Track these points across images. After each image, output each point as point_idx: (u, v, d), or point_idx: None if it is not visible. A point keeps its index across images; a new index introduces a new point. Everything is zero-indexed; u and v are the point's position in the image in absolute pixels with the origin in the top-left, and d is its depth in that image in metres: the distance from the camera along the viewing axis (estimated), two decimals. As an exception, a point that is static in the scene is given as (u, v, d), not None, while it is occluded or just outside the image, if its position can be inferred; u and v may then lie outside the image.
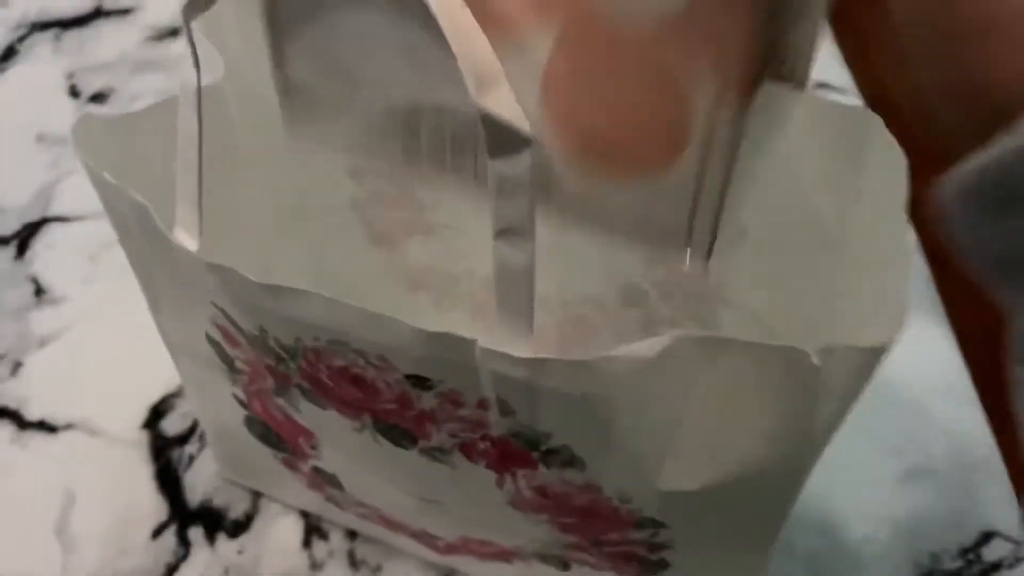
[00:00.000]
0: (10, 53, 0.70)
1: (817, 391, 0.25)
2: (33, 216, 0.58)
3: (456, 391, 0.28)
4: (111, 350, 0.52)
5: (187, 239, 0.30)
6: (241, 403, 0.38)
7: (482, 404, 0.28)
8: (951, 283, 0.57)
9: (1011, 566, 0.44)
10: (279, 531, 0.45)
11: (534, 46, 0.23)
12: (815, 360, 0.24)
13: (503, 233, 0.24)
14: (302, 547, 0.44)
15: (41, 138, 0.63)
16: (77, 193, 0.60)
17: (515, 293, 0.25)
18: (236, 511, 0.45)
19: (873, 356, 0.24)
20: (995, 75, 0.21)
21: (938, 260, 0.57)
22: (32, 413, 0.49)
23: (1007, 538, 0.45)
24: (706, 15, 0.20)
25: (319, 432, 0.36)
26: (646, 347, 0.24)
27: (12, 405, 0.50)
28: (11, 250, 0.57)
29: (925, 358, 0.51)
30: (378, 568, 0.44)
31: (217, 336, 0.34)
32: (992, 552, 0.44)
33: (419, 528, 0.39)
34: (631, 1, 0.21)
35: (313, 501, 0.43)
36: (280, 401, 0.35)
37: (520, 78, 0.22)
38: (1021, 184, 0.20)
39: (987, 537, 0.45)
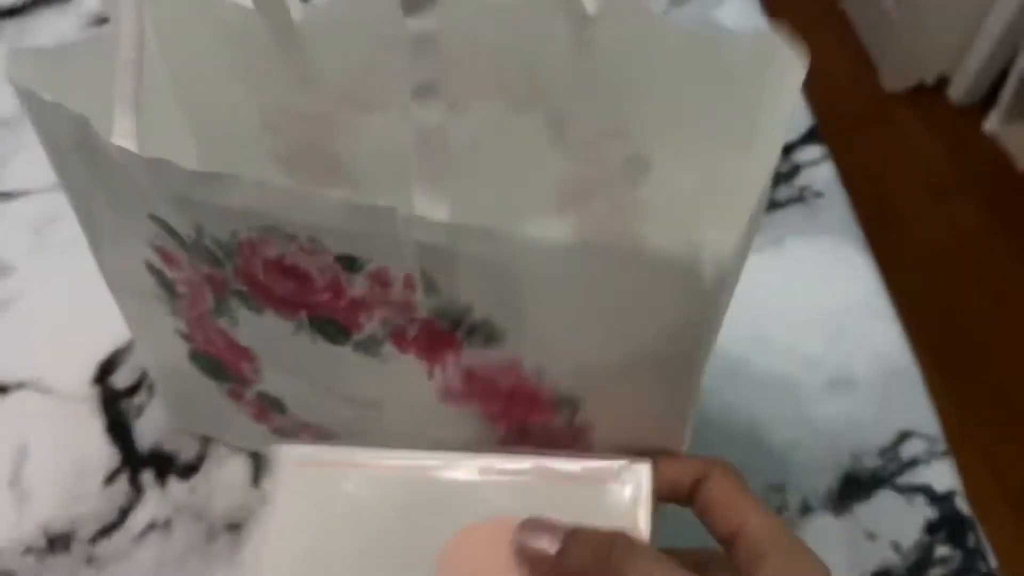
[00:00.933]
0: (-49, 44, 0.71)
1: (702, 283, 0.27)
2: (-22, 194, 0.60)
3: (383, 270, 0.30)
4: (59, 314, 0.53)
5: (126, 141, 0.31)
6: (184, 337, 0.40)
7: (408, 283, 0.30)
8: (893, 246, 0.59)
9: (927, 461, 0.47)
10: (229, 471, 0.46)
11: None
12: (697, 263, 0.26)
13: (418, 93, 0.26)
14: (251, 484, 0.46)
15: (-16, 122, 0.64)
16: (21, 171, 0.61)
17: (431, 156, 0.27)
18: (187, 454, 0.47)
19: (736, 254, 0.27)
20: None
21: (880, 225, 0.60)
22: (-17, 376, 0.50)
23: (923, 436, 0.47)
24: None
25: (259, 349, 0.37)
26: (551, 235, 0.27)
27: (-37, 370, 0.51)
28: (-42, 227, 0.58)
29: (845, 280, 0.53)
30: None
31: (157, 261, 0.36)
32: (909, 450, 0.47)
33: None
34: None
35: (260, 437, 0.44)
36: (220, 322, 0.36)
37: None
38: None
39: (904, 436, 0.47)
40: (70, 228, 0.58)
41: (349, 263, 0.30)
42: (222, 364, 0.40)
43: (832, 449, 0.47)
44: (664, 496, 0.32)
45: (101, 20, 0.71)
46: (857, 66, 1.60)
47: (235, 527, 0.44)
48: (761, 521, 0.30)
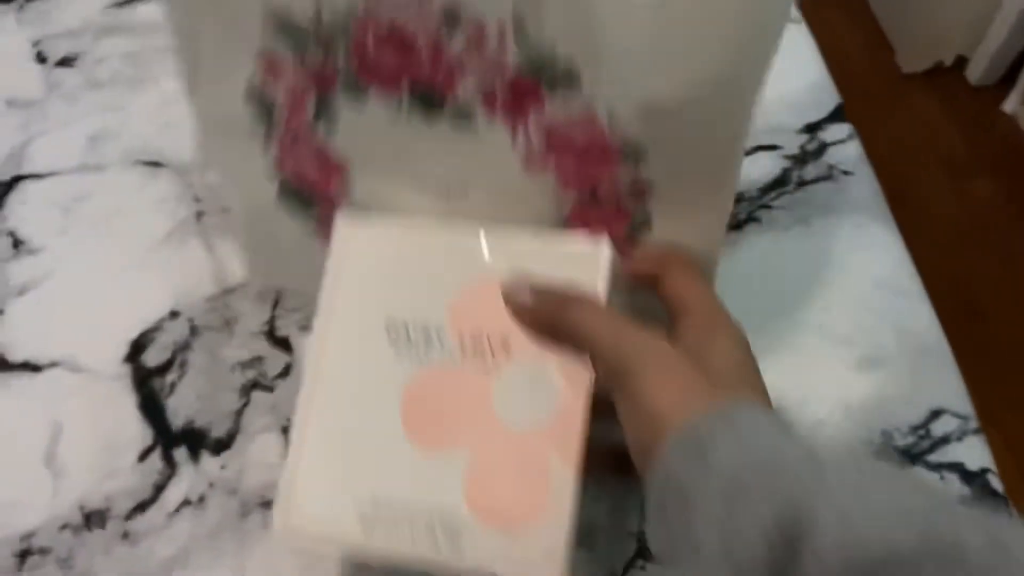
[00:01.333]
0: (-25, 26, 0.71)
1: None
2: (4, 176, 0.60)
3: (479, 25, 0.34)
4: (90, 293, 0.53)
5: None
6: (272, 178, 0.42)
7: (501, 34, 0.34)
8: (911, 222, 0.59)
9: (959, 438, 0.46)
10: (260, 446, 0.47)
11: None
12: None
13: None
14: (283, 459, 0.46)
15: (11, 103, 0.64)
16: (48, 152, 0.61)
17: None
18: (218, 430, 0.47)
19: None
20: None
21: (898, 201, 0.59)
22: (15, 356, 0.51)
23: (955, 414, 0.47)
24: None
25: (353, 154, 0.40)
26: None
27: (-4, 349, 0.51)
28: (-14, 208, 0.58)
29: (874, 258, 0.53)
30: (358, 477, 0.46)
31: (259, 79, 0.38)
32: (941, 427, 0.47)
33: None
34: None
35: None
36: (318, 132, 0.39)
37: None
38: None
39: (936, 414, 0.47)
40: (98, 206, 0.59)
41: (451, 18, 0.34)
42: (311, 189, 0.42)
43: (864, 427, 0.47)
44: (639, 281, 0.39)
45: (124, 1, 0.71)
46: (874, 47, 1.59)
47: (268, 504, 0.45)
48: (697, 294, 0.37)
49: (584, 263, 0.38)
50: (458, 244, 0.39)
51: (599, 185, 0.39)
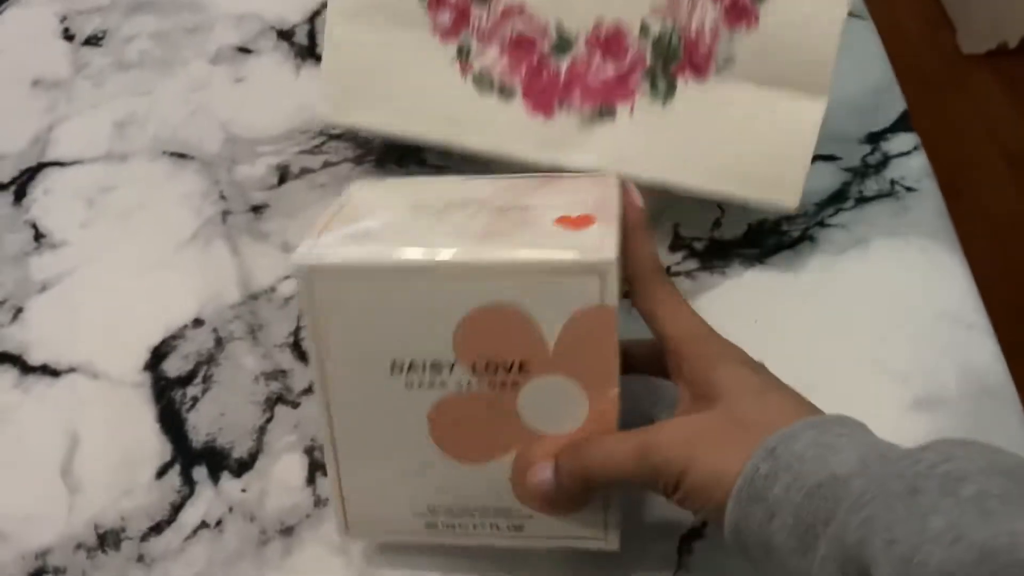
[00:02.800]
0: (2, -2, 0.68)
1: None
2: (30, 161, 0.58)
3: None
4: (111, 294, 0.51)
5: None
6: None
7: None
8: (966, 215, 0.56)
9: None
10: (283, 469, 0.45)
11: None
12: None
13: None
14: (306, 484, 0.44)
15: (36, 83, 0.62)
16: (74, 137, 0.59)
17: None
18: (240, 449, 0.46)
19: None
20: None
21: (953, 193, 0.56)
22: (34, 358, 0.49)
23: (1018, 465, 0.44)
24: None
25: None
26: None
27: (14, 350, 0.50)
28: (9, 196, 0.56)
29: (937, 287, 0.50)
30: (382, 504, 0.44)
31: None
32: (1002, 479, 0.44)
33: (554, 22, 0.44)
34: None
35: (440, 84, 0.47)
36: None
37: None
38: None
39: (997, 464, 0.44)
40: (122, 199, 0.57)
41: None
42: None
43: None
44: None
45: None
46: (934, 24, 1.52)
47: (288, 531, 0.43)
48: (677, 316, 0.38)
49: (589, 285, 0.35)
50: (443, 280, 0.35)
51: None
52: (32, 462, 0.46)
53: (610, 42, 0.43)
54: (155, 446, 0.46)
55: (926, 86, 1.41)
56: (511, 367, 0.36)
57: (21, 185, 0.57)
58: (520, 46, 0.44)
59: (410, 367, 0.36)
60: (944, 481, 0.27)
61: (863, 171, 0.55)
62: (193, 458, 0.45)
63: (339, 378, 0.37)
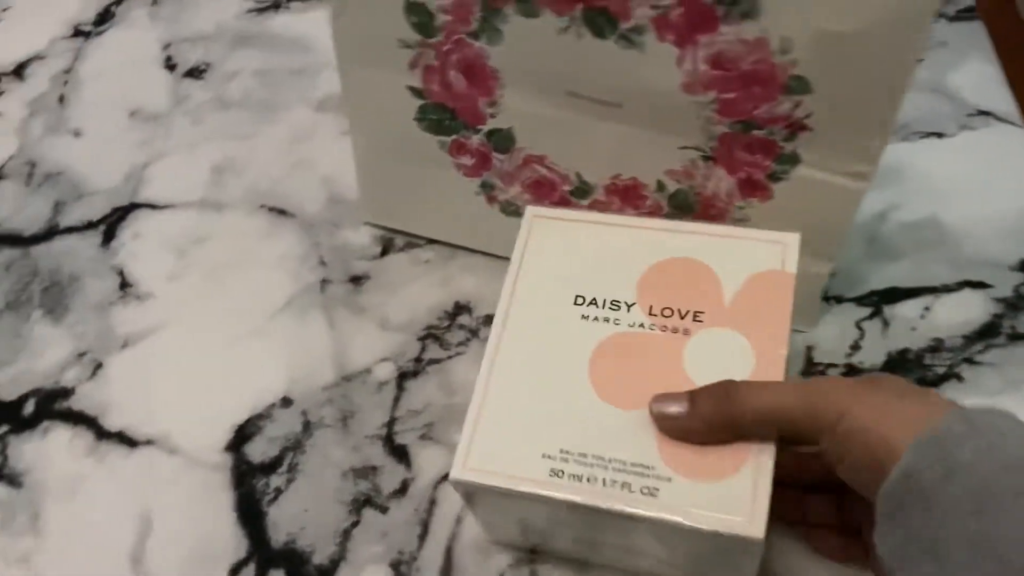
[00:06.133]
0: (106, 16, 0.66)
1: None
2: (122, 200, 0.55)
3: None
4: (197, 359, 0.48)
5: None
6: (416, 92, 0.44)
7: None
8: None
9: None
10: (366, 582, 0.41)
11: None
12: None
13: None
14: (390, 604, 0.41)
15: (134, 114, 0.59)
16: (169, 177, 0.56)
17: None
18: (321, 555, 0.42)
19: None
20: None
21: None
22: (111, 423, 0.46)
23: None
24: None
25: (509, 66, 0.41)
26: None
27: (91, 411, 0.47)
28: (98, 236, 0.54)
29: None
30: (471, 634, 0.40)
31: None
32: None
33: (574, 173, 0.44)
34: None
35: (458, 215, 0.49)
36: (480, 42, 0.40)
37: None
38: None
39: None
40: (215, 253, 0.53)
41: None
42: (453, 112, 0.44)
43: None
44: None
45: (264, 6, 0.65)
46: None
47: (369, 656, 0.39)
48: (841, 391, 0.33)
49: (772, 251, 0.38)
50: (641, 232, 0.40)
51: (756, 114, 0.39)
52: (102, 545, 0.43)
53: (628, 191, 0.45)
54: (231, 540, 0.42)
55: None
56: (686, 314, 0.37)
57: (111, 225, 0.54)
58: (542, 186, 0.46)
59: (591, 301, 0.38)
60: None
61: (1016, 303, 0.50)
62: (271, 559, 0.42)
63: (524, 310, 0.39)
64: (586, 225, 0.41)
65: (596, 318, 0.38)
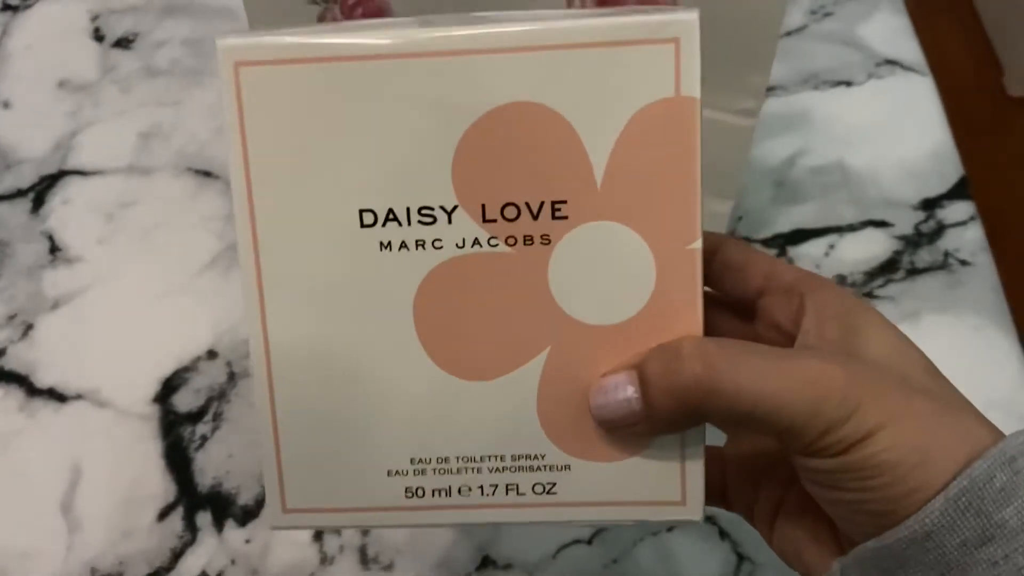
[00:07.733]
0: (35, -10, 0.67)
1: None
2: (51, 168, 0.56)
3: None
4: (124, 317, 0.49)
5: None
6: None
7: None
8: (997, 231, 0.53)
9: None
10: (290, 521, 0.43)
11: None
12: None
13: None
14: (312, 540, 0.42)
15: (63, 84, 0.60)
16: (97, 144, 0.57)
17: None
18: (246, 496, 0.44)
19: None
20: None
21: (980, 202, 0.53)
22: (41, 380, 0.47)
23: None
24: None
25: None
26: None
27: (22, 370, 0.48)
28: (27, 203, 0.55)
29: (989, 371, 0.47)
30: (389, 566, 0.42)
31: None
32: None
33: None
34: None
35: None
36: None
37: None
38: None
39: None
40: (142, 216, 0.55)
41: None
42: None
43: None
44: None
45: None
46: (980, 62, 1.48)
47: (292, 588, 0.41)
48: (786, 268, 0.27)
49: (657, 63, 0.23)
50: (430, 62, 0.23)
51: None
52: (33, 494, 0.44)
53: None
54: (159, 485, 0.44)
55: (970, 127, 1.38)
56: (539, 210, 0.24)
57: (40, 193, 0.55)
58: None
59: (388, 216, 0.24)
60: None
61: (916, 240, 0.52)
62: (198, 502, 0.43)
63: (272, 239, 0.25)
64: (331, 67, 0.24)
65: (403, 245, 0.24)
